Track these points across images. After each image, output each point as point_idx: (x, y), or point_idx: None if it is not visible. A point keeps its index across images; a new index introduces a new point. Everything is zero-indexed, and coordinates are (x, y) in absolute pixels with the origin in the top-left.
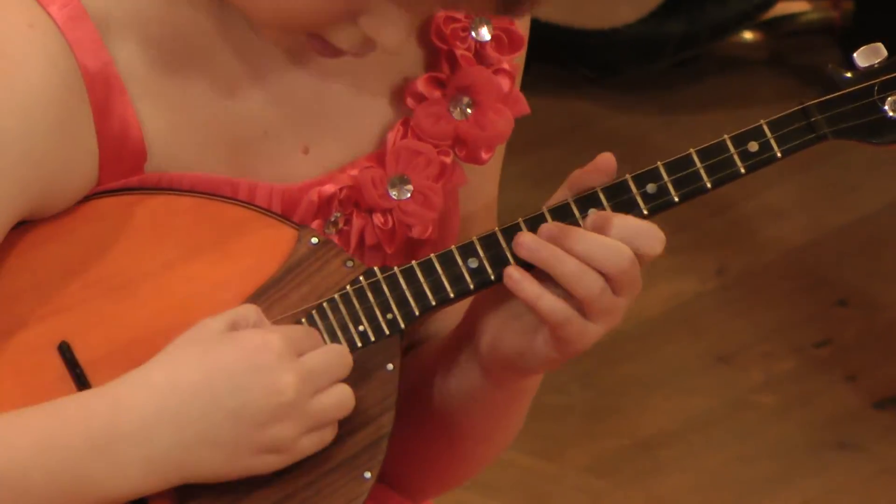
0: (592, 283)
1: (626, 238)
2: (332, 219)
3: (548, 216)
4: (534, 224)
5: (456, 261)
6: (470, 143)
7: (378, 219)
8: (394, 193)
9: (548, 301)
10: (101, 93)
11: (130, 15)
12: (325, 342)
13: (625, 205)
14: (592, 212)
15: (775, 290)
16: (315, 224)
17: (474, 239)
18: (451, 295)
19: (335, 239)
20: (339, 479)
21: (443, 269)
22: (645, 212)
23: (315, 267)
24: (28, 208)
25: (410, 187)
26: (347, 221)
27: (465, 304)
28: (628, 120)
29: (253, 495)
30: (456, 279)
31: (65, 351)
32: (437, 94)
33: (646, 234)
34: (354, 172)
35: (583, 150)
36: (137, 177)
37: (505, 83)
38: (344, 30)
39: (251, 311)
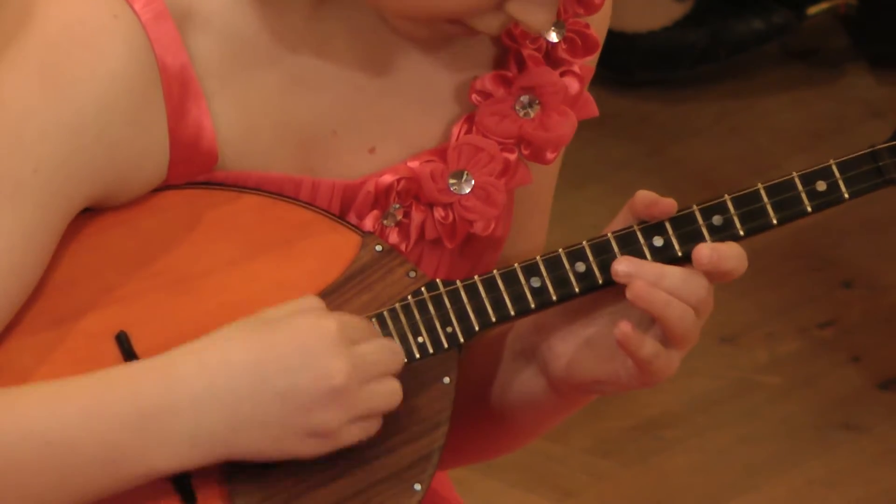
0: (690, 317)
1: (737, 266)
2: (391, 210)
3: (613, 243)
4: (599, 248)
5: (518, 279)
6: (534, 143)
7: (439, 213)
8: (454, 188)
9: (630, 333)
10: (178, 94)
11: (210, 10)
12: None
13: (690, 235)
14: (657, 240)
15: (780, 271)
16: (372, 215)
17: (538, 258)
18: (512, 313)
19: (394, 231)
20: (389, 489)
21: (505, 287)
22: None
23: (378, 275)
24: (98, 193)
25: (471, 182)
26: (407, 214)
27: None
28: (632, 101)
29: (304, 498)
30: (517, 298)
31: (123, 341)
32: (502, 92)
33: (741, 257)
34: (415, 165)
35: (586, 130)
36: (204, 175)
37: (573, 85)
38: (489, 15)
39: (313, 299)
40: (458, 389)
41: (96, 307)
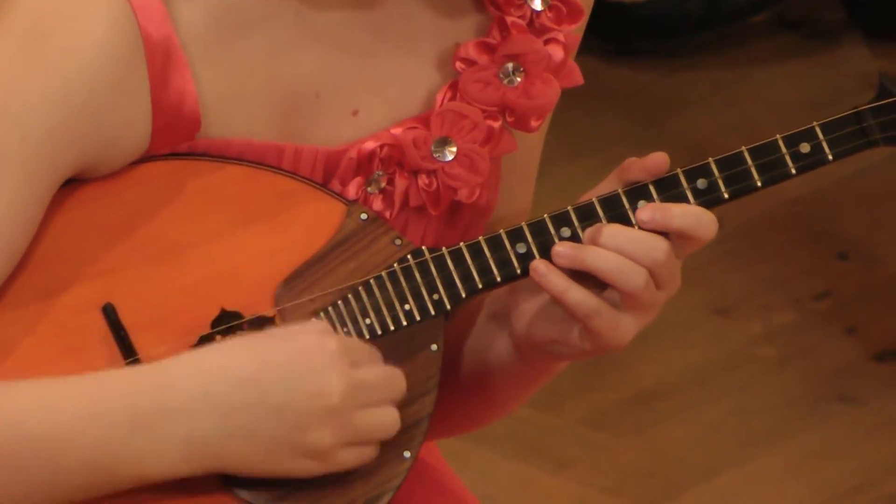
0: (636, 276)
1: (688, 224)
2: (374, 177)
3: (598, 207)
4: (584, 213)
5: (504, 245)
6: (518, 111)
7: (423, 180)
8: (437, 155)
9: (574, 294)
10: (161, 64)
11: None
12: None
13: (675, 199)
14: (642, 203)
15: (775, 243)
16: (355, 182)
17: (523, 224)
18: (498, 279)
19: (378, 199)
20: (380, 456)
21: (490, 253)
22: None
23: (363, 243)
24: (83, 163)
25: (454, 149)
26: (391, 181)
27: None
28: (628, 73)
29: None
30: (503, 263)
31: (109, 312)
32: (485, 59)
33: (704, 219)
34: (398, 132)
35: (583, 103)
36: (186, 144)
37: (557, 53)
38: None
39: (320, 323)
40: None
41: (82, 279)
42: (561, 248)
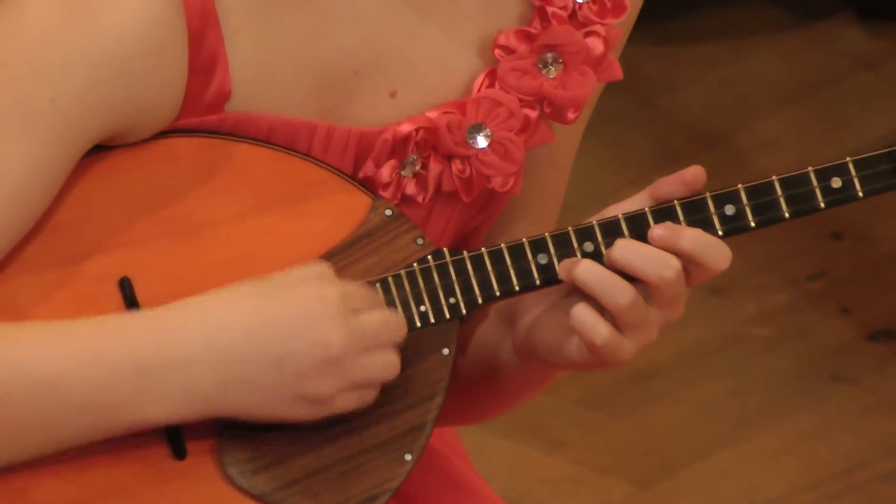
0: (621, 294)
1: (697, 250)
2: (409, 160)
3: (623, 225)
4: (608, 228)
5: (525, 254)
6: (554, 102)
7: (456, 166)
8: (471, 141)
9: (579, 310)
10: (197, 22)
11: None
12: (385, 306)
13: (701, 222)
14: (659, 224)
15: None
16: (389, 164)
17: (546, 235)
18: (517, 288)
19: (412, 182)
20: (380, 457)
21: (511, 261)
22: (720, 232)
23: (385, 239)
24: (113, 128)
25: (489, 137)
26: (425, 165)
27: None
28: (623, 53)
29: (292, 460)
30: (523, 273)
31: (125, 286)
32: (524, 48)
33: (715, 248)
34: (433, 115)
35: None
36: (216, 116)
37: (597, 46)
38: None
39: (321, 266)
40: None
41: (101, 250)
42: (562, 263)
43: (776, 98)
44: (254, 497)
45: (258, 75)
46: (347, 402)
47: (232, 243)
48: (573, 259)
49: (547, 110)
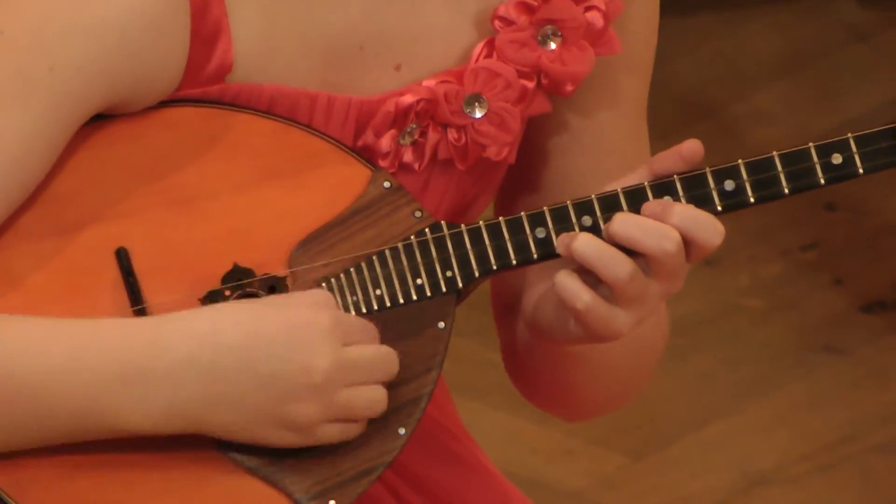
0: (620, 266)
1: (686, 227)
2: (408, 129)
3: (622, 199)
4: (606, 202)
5: (524, 228)
6: (551, 75)
7: (452, 134)
8: (468, 111)
9: (565, 281)
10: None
11: None
12: (379, 342)
13: (700, 198)
14: (667, 199)
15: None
16: (389, 134)
17: (545, 209)
18: (514, 262)
19: (409, 150)
20: (374, 431)
21: (509, 235)
22: (719, 208)
23: (384, 212)
24: (113, 99)
25: (485, 107)
26: (423, 134)
27: None
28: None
29: None
30: (521, 247)
31: (122, 257)
32: (524, 20)
33: (706, 224)
34: (431, 84)
35: None
36: (217, 86)
37: (597, 21)
38: None
39: (322, 294)
40: (452, 335)
41: (99, 220)
42: (560, 238)
43: (770, 70)
44: (247, 470)
45: (261, 48)
46: (329, 435)
47: (230, 215)
48: (571, 233)
49: (544, 82)
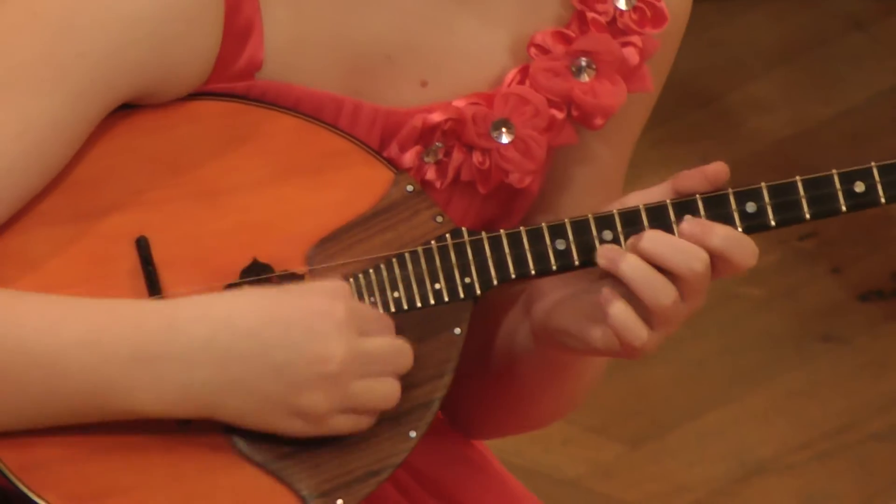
0: (664, 293)
1: (726, 246)
2: (433, 147)
3: (644, 215)
4: (628, 218)
5: (544, 238)
6: (583, 107)
7: (476, 157)
8: (494, 135)
9: (621, 313)
10: None
11: None
12: (394, 334)
13: (721, 218)
14: (688, 218)
15: (760, 182)
16: (414, 150)
17: (566, 221)
18: (532, 272)
19: (432, 168)
20: (385, 432)
21: (529, 245)
22: (740, 229)
23: (404, 215)
24: (140, 89)
25: (512, 133)
26: (448, 153)
27: None
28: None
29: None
30: (540, 257)
31: (142, 246)
32: (560, 49)
33: (745, 245)
34: (461, 104)
35: None
36: (245, 83)
37: (633, 57)
38: None
39: (339, 284)
40: (468, 341)
41: (120, 209)
42: (603, 250)
43: (767, 58)
44: (256, 465)
45: (291, 48)
46: (341, 425)
47: (250, 210)
48: (616, 248)
49: (574, 114)
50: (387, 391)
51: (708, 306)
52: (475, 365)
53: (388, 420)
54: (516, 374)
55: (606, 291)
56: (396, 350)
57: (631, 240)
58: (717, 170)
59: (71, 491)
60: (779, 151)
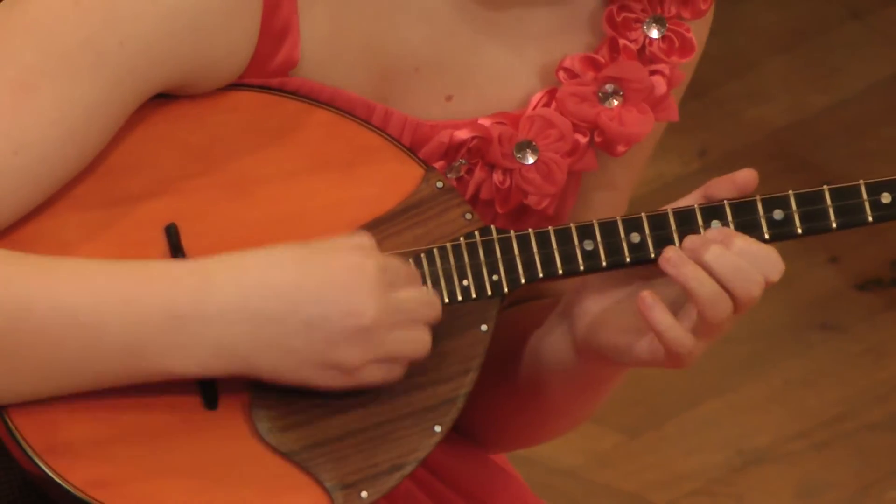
0: (724, 310)
1: (752, 262)
2: (457, 164)
3: (671, 219)
4: (656, 221)
5: (572, 239)
6: (607, 134)
7: (497, 176)
8: (518, 156)
9: (676, 332)
10: None
11: None
12: (424, 283)
13: (748, 225)
14: (716, 224)
15: (759, 172)
16: (438, 165)
17: (594, 222)
18: (560, 272)
19: (453, 184)
20: (410, 426)
21: (557, 245)
22: (766, 236)
23: (434, 211)
24: (177, 80)
25: (536, 155)
26: (470, 171)
27: None
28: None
29: (323, 421)
30: (568, 258)
31: (172, 233)
32: (589, 75)
33: (772, 261)
34: (486, 123)
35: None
36: (279, 79)
37: (661, 86)
38: None
39: (364, 237)
40: (494, 341)
41: (151, 195)
42: (671, 255)
43: (766, 47)
44: (280, 454)
45: (325, 51)
46: (374, 376)
47: (280, 201)
48: (682, 255)
49: (598, 140)
50: (418, 340)
51: None
52: (496, 378)
53: (415, 415)
54: (544, 388)
55: (649, 300)
56: (426, 301)
57: (691, 242)
58: (747, 177)
59: (95, 474)
60: (776, 141)
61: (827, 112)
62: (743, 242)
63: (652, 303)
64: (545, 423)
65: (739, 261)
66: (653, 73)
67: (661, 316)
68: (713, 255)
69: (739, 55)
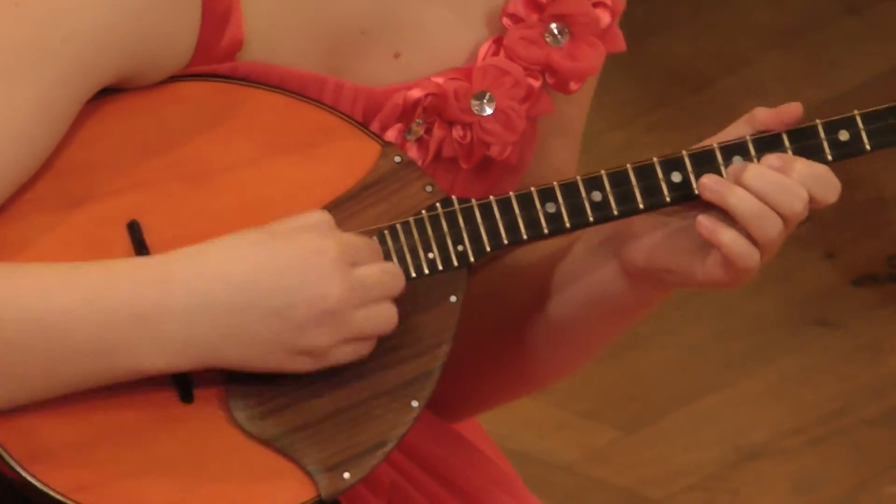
0: (773, 227)
1: (807, 183)
2: (414, 125)
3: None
4: (616, 179)
5: (534, 203)
6: (560, 72)
7: (457, 132)
8: (476, 109)
9: (740, 245)
10: None
11: None
12: (384, 258)
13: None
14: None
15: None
16: (396, 127)
17: (555, 184)
18: (525, 237)
19: (413, 146)
20: (388, 403)
21: (519, 210)
22: (829, 158)
23: (395, 187)
24: (122, 72)
25: (493, 105)
26: (429, 130)
27: None
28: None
29: (300, 405)
30: (532, 223)
31: (134, 230)
32: (533, 17)
33: (826, 180)
34: (440, 81)
35: None
36: (228, 64)
37: (605, 17)
38: None
39: (321, 214)
40: (465, 308)
41: (111, 192)
42: (707, 181)
43: (762, 42)
44: (261, 441)
45: (270, 30)
46: (344, 355)
47: (242, 188)
48: (722, 181)
49: (550, 80)
50: (385, 315)
51: (701, 290)
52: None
53: (391, 391)
54: (570, 323)
55: (708, 222)
56: (389, 274)
57: (731, 169)
58: (793, 114)
59: (78, 478)
60: None
61: (823, 107)
62: (802, 165)
63: (711, 222)
64: (575, 354)
65: (777, 176)
66: (595, 4)
67: (725, 231)
68: (751, 174)
69: (736, 50)
